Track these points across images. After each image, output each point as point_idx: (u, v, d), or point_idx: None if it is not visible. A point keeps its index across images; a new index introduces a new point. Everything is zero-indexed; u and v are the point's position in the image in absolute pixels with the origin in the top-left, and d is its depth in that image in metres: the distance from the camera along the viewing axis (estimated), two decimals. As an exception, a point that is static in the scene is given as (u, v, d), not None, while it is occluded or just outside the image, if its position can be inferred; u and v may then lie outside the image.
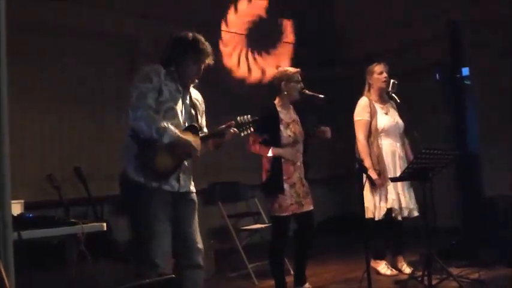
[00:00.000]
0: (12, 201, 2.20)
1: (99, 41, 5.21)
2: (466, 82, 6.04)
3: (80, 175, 4.68)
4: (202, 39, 2.82)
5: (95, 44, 5.20)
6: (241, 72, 6.67)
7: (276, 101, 3.79)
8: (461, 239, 4.88)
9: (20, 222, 2.38)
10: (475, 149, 5.96)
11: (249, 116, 2.91)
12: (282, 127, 3.69)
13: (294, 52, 7.11)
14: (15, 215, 2.53)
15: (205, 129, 3.01)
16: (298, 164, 3.75)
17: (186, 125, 2.82)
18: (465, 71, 6.00)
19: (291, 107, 3.85)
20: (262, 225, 5.01)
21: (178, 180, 2.77)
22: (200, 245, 2.84)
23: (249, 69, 6.76)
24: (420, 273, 3.70)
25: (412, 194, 4.30)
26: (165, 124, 2.61)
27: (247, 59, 6.76)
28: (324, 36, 7.66)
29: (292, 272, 4.18)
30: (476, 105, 6.11)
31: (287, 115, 3.78)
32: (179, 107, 2.78)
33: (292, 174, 3.69)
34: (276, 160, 3.65)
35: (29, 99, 4.79)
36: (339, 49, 7.46)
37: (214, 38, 6.26)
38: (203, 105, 3.01)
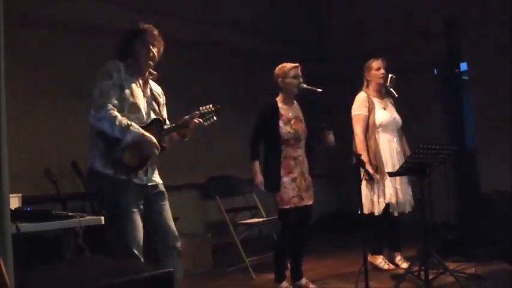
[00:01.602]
0: (10, 195, 2.20)
1: (97, 36, 5.18)
2: (464, 77, 6.05)
3: (78, 169, 4.67)
4: (145, 24, 2.88)
5: (93, 39, 5.17)
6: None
7: (278, 98, 3.83)
8: (458, 234, 4.90)
9: (17, 215, 2.38)
10: (472, 144, 5.98)
11: (211, 105, 2.96)
12: (281, 123, 3.71)
13: (294, 48, 7.09)
14: (13, 208, 2.53)
15: (167, 121, 3.06)
16: (300, 159, 3.77)
17: (150, 116, 2.85)
18: (463, 66, 6.01)
19: (295, 103, 3.86)
20: (260, 220, 5.03)
21: (146, 174, 2.83)
22: (176, 233, 2.90)
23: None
24: (417, 268, 3.72)
25: (410, 190, 4.32)
26: (128, 122, 2.65)
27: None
28: (323, 33, 7.65)
29: (289, 266, 4.20)
30: (474, 101, 6.12)
31: (288, 111, 3.79)
32: (141, 101, 2.82)
33: (293, 169, 3.71)
34: (275, 158, 3.69)
35: (27, 94, 4.78)
36: (338, 46, 7.45)
37: (215, 34, 6.25)
38: (163, 98, 3.06)
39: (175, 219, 5.59)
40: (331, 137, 3.72)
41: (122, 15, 5.44)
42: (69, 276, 1.93)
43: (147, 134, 2.70)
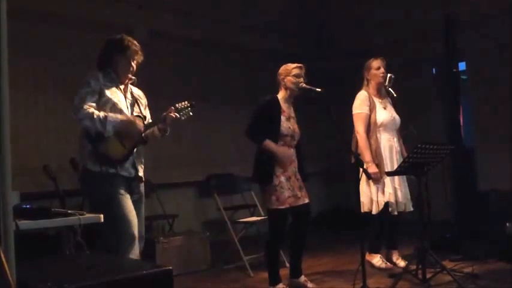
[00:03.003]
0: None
1: (97, 31, 5.18)
2: (462, 77, 6.07)
3: (76, 166, 4.66)
4: (129, 38, 3.09)
5: (92, 34, 5.16)
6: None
7: (278, 95, 3.83)
8: (455, 233, 4.92)
9: (17, 212, 2.38)
10: (471, 144, 6.00)
11: (186, 101, 3.16)
12: (283, 118, 3.73)
13: (294, 45, 7.10)
14: (12, 205, 2.52)
15: (150, 121, 3.25)
16: (293, 158, 3.78)
17: (131, 114, 3.07)
18: (462, 65, 6.02)
19: (291, 104, 3.87)
20: (258, 218, 5.03)
21: (134, 167, 3.05)
22: (143, 234, 3.13)
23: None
24: (414, 267, 3.73)
25: (407, 189, 4.33)
26: (105, 114, 2.89)
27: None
28: (322, 30, 7.65)
29: (287, 265, 4.21)
30: (473, 101, 6.13)
31: (288, 109, 3.82)
32: (122, 103, 3.05)
33: (287, 168, 3.72)
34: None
35: (26, 90, 4.78)
36: (337, 42, 7.45)
37: (215, 32, 6.25)
38: (145, 100, 3.27)
39: (174, 216, 5.62)
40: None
41: (123, 11, 5.45)
42: (69, 273, 1.93)
43: (124, 117, 2.96)
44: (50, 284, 1.62)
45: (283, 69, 3.82)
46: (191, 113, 3.17)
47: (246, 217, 5.27)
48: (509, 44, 5.49)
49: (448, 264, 3.96)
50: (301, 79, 3.73)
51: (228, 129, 6.04)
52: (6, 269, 1.39)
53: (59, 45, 5.08)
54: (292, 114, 3.83)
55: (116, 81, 3.06)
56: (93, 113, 2.87)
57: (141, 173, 3.11)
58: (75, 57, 5.11)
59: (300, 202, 3.74)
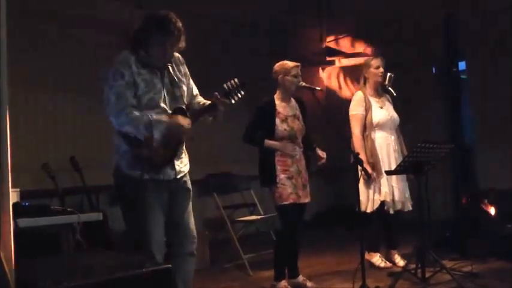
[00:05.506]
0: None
1: (97, 30, 5.17)
2: (462, 76, 6.07)
3: (76, 164, 4.67)
4: (170, 19, 2.63)
5: (93, 33, 5.16)
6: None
7: (276, 95, 3.82)
8: (455, 232, 4.92)
9: (16, 210, 2.38)
10: (470, 143, 6.01)
11: (236, 79, 2.73)
12: (277, 120, 3.72)
13: (293, 45, 7.08)
14: (12, 203, 2.52)
15: (195, 90, 2.93)
16: (297, 157, 3.77)
17: (172, 106, 2.71)
18: (462, 65, 6.03)
19: (292, 101, 3.86)
20: (258, 217, 5.03)
21: (173, 168, 2.73)
22: (194, 233, 2.85)
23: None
24: (414, 266, 3.73)
25: (407, 188, 4.33)
26: (149, 118, 2.54)
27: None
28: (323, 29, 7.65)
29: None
30: (473, 100, 6.13)
31: (285, 108, 3.79)
32: (159, 92, 2.67)
33: (289, 167, 3.71)
34: (270, 153, 3.69)
35: (25, 88, 4.77)
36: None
37: (214, 31, 6.24)
38: (186, 70, 2.88)
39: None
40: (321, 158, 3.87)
41: (123, 10, 5.43)
42: (69, 271, 1.93)
43: (170, 121, 2.60)
44: (49, 283, 1.62)
45: (280, 67, 3.78)
46: (242, 93, 2.72)
47: (245, 216, 5.27)
48: (509, 43, 5.49)
49: (448, 263, 3.95)
50: (300, 78, 3.74)
51: (227, 128, 6.02)
52: (6, 267, 1.38)
53: (58, 44, 5.07)
54: (291, 113, 3.80)
55: (152, 64, 2.67)
56: (137, 119, 2.53)
57: (182, 172, 2.80)
58: (74, 55, 5.11)
59: (300, 201, 3.74)
